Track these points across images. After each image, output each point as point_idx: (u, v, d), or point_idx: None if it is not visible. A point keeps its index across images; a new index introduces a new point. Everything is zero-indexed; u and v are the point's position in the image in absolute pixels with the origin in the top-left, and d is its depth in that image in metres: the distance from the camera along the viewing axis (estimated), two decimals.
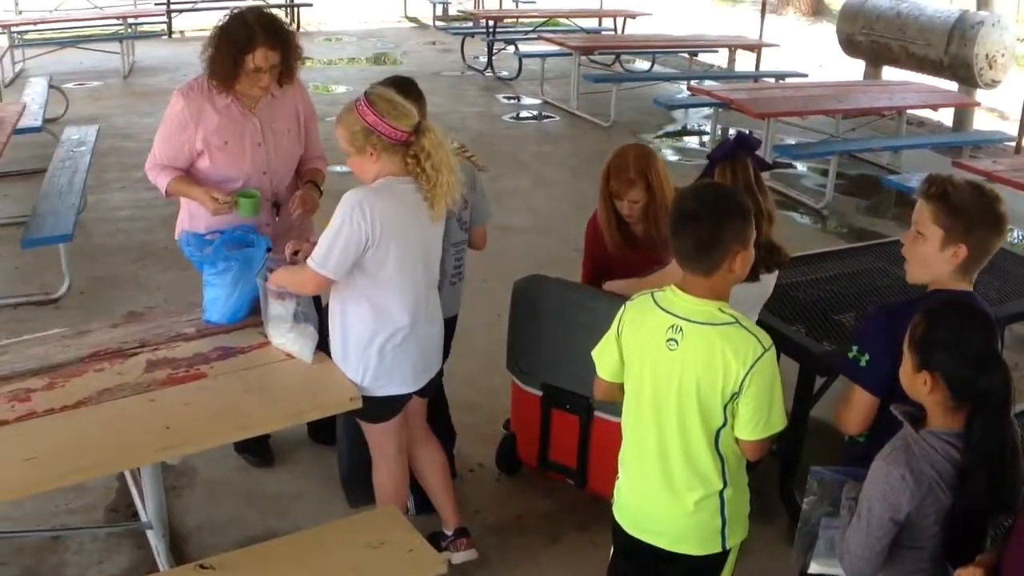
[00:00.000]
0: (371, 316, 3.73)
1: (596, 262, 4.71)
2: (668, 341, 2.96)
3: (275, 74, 4.36)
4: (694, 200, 3.00)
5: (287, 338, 3.91)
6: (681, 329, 2.94)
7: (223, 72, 4.29)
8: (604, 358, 3.21)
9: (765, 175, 4.00)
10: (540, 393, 4.66)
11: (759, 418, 2.95)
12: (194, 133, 4.38)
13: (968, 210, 3.02)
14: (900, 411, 2.82)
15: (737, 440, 3.02)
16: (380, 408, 3.87)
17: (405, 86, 4.34)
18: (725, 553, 3.16)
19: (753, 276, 3.79)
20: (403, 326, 3.77)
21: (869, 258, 5.56)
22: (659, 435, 3.05)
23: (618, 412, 4.39)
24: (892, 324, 2.99)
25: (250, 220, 4.34)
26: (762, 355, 2.90)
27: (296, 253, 3.96)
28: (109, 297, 6.93)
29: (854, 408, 3.14)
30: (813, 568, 3.05)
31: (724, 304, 2.97)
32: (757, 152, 3.95)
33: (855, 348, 3.14)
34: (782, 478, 4.64)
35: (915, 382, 2.76)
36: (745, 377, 2.89)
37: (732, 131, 12.05)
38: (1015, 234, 9.17)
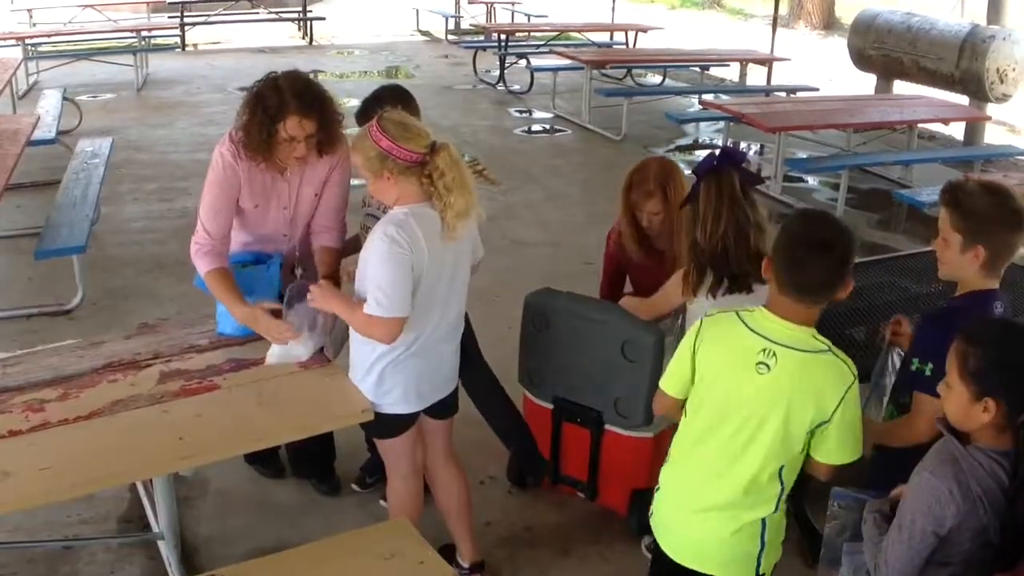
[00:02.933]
0: None
1: (617, 274, 4.74)
2: (758, 364, 2.93)
3: (312, 143, 4.07)
4: (830, 229, 2.97)
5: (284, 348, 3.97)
6: (775, 354, 2.92)
7: (256, 142, 4.00)
8: (675, 374, 3.16)
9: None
10: (551, 406, 4.67)
11: (845, 445, 2.98)
12: (237, 191, 4.17)
13: (980, 212, 3.13)
14: (945, 425, 2.80)
15: (811, 460, 3.04)
16: (386, 424, 3.86)
17: (403, 97, 4.36)
18: None
19: (746, 288, 3.82)
20: (405, 343, 3.70)
21: (880, 272, 5.55)
22: (722, 457, 3.04)
23: (628, 426, 4.44)
24: (943, 330, 3.00)
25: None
26: (852, 383, 2.92)
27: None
28: (122, 308, 6.95)
29: (927, 417, 3.09)
30: None
31: (815, 331, 2.97)
32: (743, 165, 3.97)
33: (916, 360, 3.18)
34: (793, 493, 4.62)
35: (973, 411, 2.70)
36: (838, 406, 2.91)
37: (747, 144, 12.09)
38: None
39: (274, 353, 3.96)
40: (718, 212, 3.75)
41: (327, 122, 4.08)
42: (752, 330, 2.97)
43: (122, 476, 3.60)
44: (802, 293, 2.92)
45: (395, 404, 3.80)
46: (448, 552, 4.17)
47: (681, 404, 3.18)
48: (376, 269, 3.52)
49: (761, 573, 3.14)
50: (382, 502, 4.70)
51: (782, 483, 3.05)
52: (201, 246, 4.09)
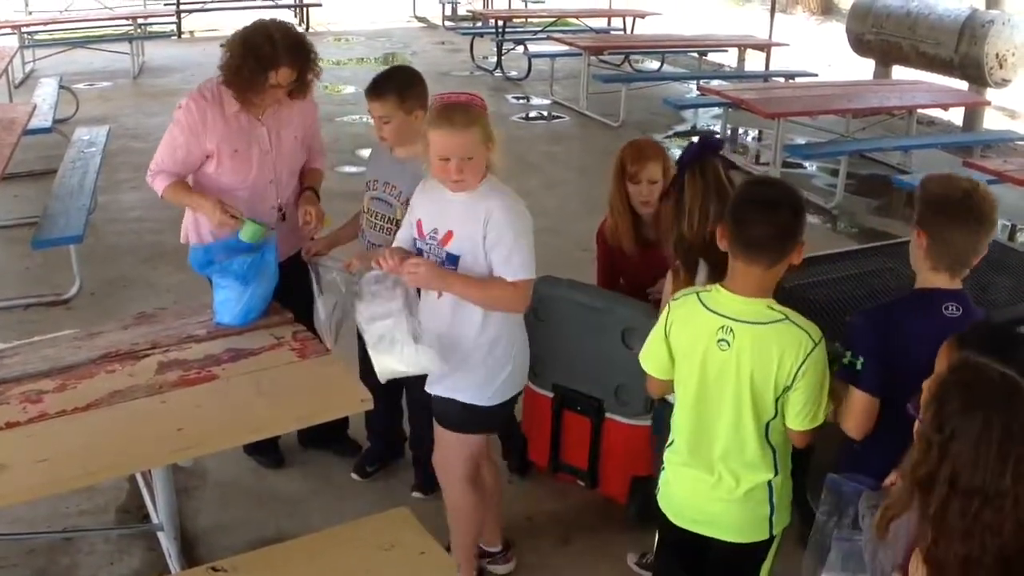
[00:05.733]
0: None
1: (612, 268, 4.72)
2: (719, 342, 3.04)
3: (288, 89, 4.39)
4: (772, 189, 3.13)
5: (402, 356, 3.67)
6: (731, 330, 3.02)
7: (242, 83, 4.28)
8: (652, 357, 3.28)
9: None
10: (551, 395, 4.67)
11: (808, 410, 3.07)
12: (205, 138, 4.38)
13: (930, 199, 3.16)
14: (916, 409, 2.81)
15: (786, 429, 3.15)
16: (496, 415, 3.93)
17: (415, 77, 4.43)
18: (771, 539, 3.29)
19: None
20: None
21: (880, 258, 5.53)
22: (710, 429, 3.16)
23: (628, 414, 4.44)
24: (877, 323, 3.13)
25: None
26: (812, 349, 3.00)
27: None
28: (120, 298, 6.94)
29: (857, 413, 3.16)
30: None
31: (772, 301, 3.05)
32: (723, 152, 3.92)
33: (848, 354, 3.17)
34: (792, 480, 4.61)
35: None
36: (798, 371, 3.00)
37: (745, 130, 12.07)
38: None
39: (394, 368, 3.75)
40: (706, 203, 3.64)
41: (304, 74, 4.40)
42: (710, 309, 3.08)
43: (121, 468, 3.59)
44: (751, 252, 2.99)
45: (515, 386, 3.93)
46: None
47: (671, 383, 3.29)
48: (523, 236, 3.64)
49: (774, 535, 3.28)
50: (415, 494, 4.78)
51: (772, 447, 3.16)
52: (155, 171, 4.48)
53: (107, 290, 7.11)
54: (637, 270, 4.55)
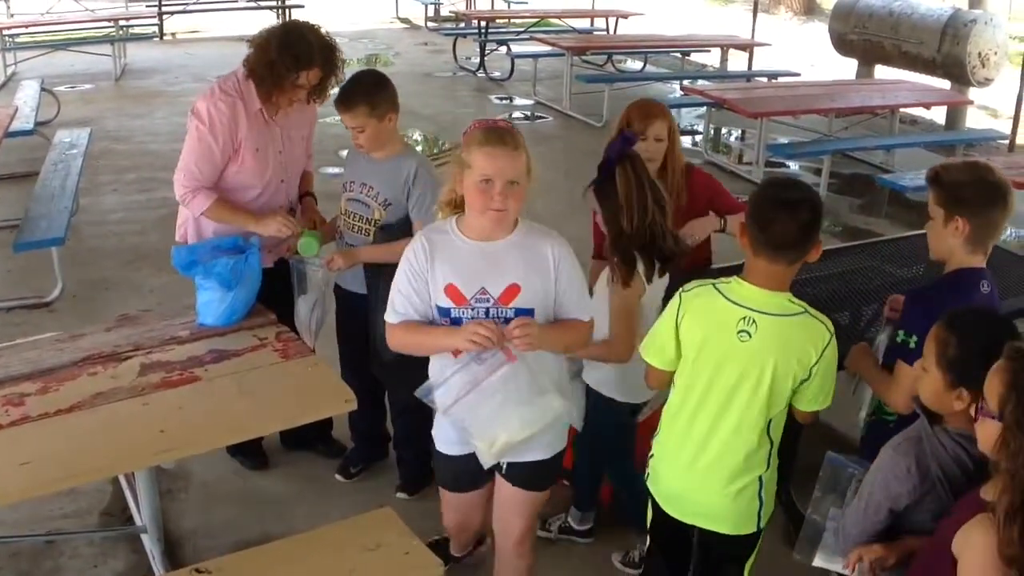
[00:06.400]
0: None
1: None
2: (740, 333, 3.08)
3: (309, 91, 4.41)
4: (795, 190, 3.16)
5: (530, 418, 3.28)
6: (755, 321, 3.07)
7: (272, 80, 4.27)
8: (659, 348, 3.29)
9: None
10: None
11: (822, 395, 3.19)
12: (238, 135, 4.35)
13: (960, 185, 3.24)
14: (918, 403, 2.89)
15: (792, 408, 3.25)
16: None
17: (381, 80, 4.39)
18: (759, 532, 3.36)
19: (677, 267, 3.87)
20: None
21: (863, 257, 5.55)
22: (713, 422, 3.20)
23: None
24: (928, 305, 3.19)
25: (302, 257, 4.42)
26: (830, 339, 3.11)
27: None
28: (102, 300, 6.91)
29: (907, 387, 3.17)
30: (817, 561, 3.09)
31: (791, 295, 3.13)
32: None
33: (902, 332, 3.28)
34: (778, 477, 4.62)
35: (947, 398, 2.78)
36: (817, 362, 3.09)
37: (728, 129, 12.09)
38: (1009, 232, 9.17)
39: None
40: (641, 197, 3.67)
41: (331, 76, 4.41)
42: (731, 300, 3.11)
43: (104, 470, 3.56)
44: (777, 251, 3.05)
45: None
46: (440, 546, 4.16)
47: (671, 376, 3.31)
48: (578, 273, 3.38)
49: (761, 527, 3.34)
50: (400, 494, 4.78)
51: (771, 440, 3.24)
52: (189, 187, 4.33)
53: (89, 292, 7.08)
54: None
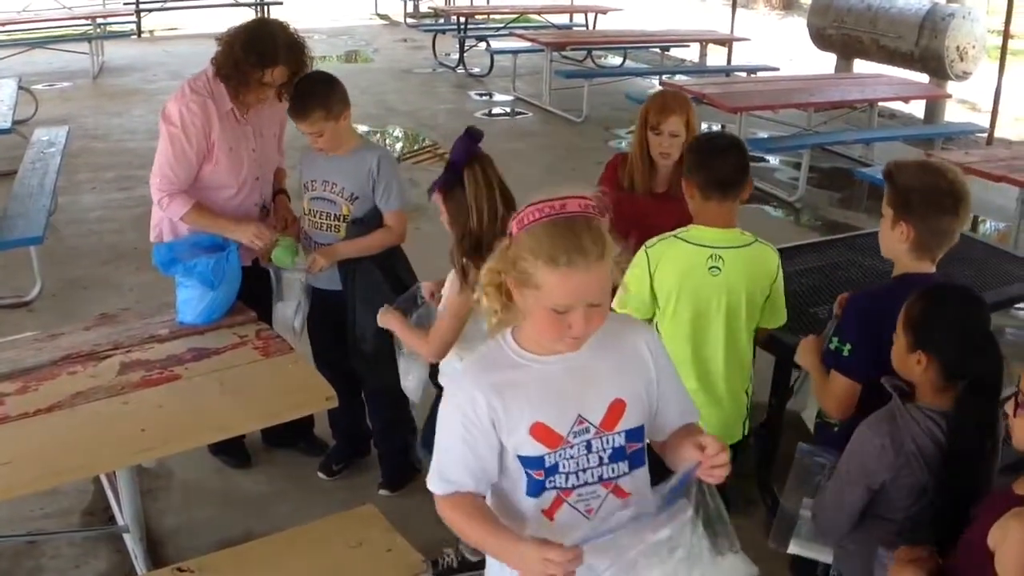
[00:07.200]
0: None
1: (617, 205, 4.59)
2: (710, 268, 3.54)
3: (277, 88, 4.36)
4: (722, 138, 3.91)
5: None
6: (720, 256, 3.54)
7: (238, 79, 4.23)
8: (637, 300, 3.60)
9: None
10: None
11: (780, 310, 3.75)
12: (212, 135, 4.32)
13: (910, 189, 3.15)
14: (890, 384, 2.89)
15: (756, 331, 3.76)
16: None
17: (331, 82, 4.37)
18: (744, 439, 3.87)
19: None
20: None
21: (843, 250, 5.56)
22: (703, 348, 3.63)
23: None
24: (866, 311, 3.21)
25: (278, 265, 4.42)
26: (779, 262, 3.67)
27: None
28: (81, 299, 6.88)
29: (839, 397, 3.23)
30: (792, 548, 3.11)
31: (739, 229, 3.63)
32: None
33: (835, 339, 3.24)
34: (759, 469, 4.64)
35: (908, 361, 2.83)
36: (774, 281, 3.66)
37: (708, 124, 12.11)
38: (988, 225, 9.22)
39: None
40: (491, 198, 3.61)
41: (300, 74, 4.35)
42: (695, 244, 3.57)
43: (84, 469, 3.55)
44: (724, 188, 3.56)
45: None
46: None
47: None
48: None
49: (745, 434, 3.86)
50: (382, 491, 4.76)
51: (752, 351, 3.83)
52: (166, 191, 4.31)
53: (68, 291, 7.05)
54: (647, 218, 4.43)
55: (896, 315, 2.92)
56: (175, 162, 4.29)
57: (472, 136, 3.71)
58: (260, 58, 4.18)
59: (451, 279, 3.67)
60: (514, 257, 2.24)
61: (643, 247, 3.58)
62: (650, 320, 3.64)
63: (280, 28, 4.34)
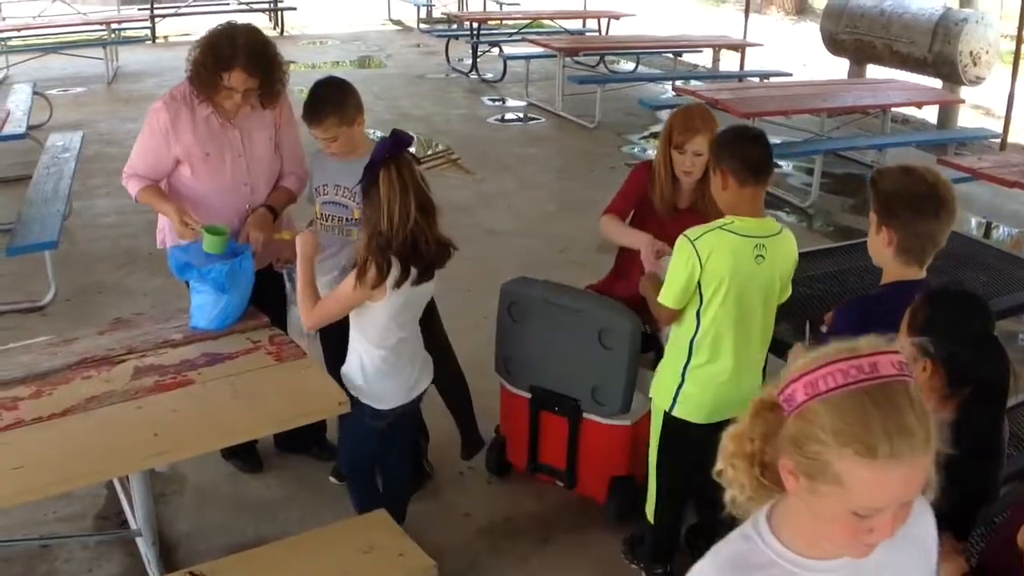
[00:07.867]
0: None
1: (634, 198, 4.62)
2: (757, 257, 3.72)
3: (251, 96, 4.31)
4: (748, 128, 4.02)
5: None
6: (764, 245, 3.73)
7: (201, 81, 4.24)
8: (681, 293, 3.77)
9: None
10: (528, 395, 4.67)
11: (788, 285, 3.95)
12: (174, 143, 4.34)
13: (891, 194, 3.18)
14: None
15: None
16: None
17: (345, 87, 4.40)
18: None
19: (430, 276, 3.86)
20: None
21: (855, 256, 5.55)
22: (744, 330, 3.83)
23: (605, 414, 4.44)
24: (852, 321, 3.11)
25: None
26: (795, 243, 3.93)
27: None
28: (95, 304, 6.91)
29: None
30: None
31: (770, 217, 3.84)
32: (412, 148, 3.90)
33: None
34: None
35: (914, 369, 2.79)
36: (796, 262, 3.93)
37: None
38: (1001, 231, 9.20)
39: None
40: (404, 201, 3.61)
41: (270, 82, 4.33)
42: (742, 235, 3.70)
43: (97, 474, 3.57)
44: (760, 174, 3.70)
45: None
46: None
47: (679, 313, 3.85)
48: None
49: None
50: None
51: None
52: (128, 173, 4.49)
53: (83, 296, 7.07)
54: (668, 232, 4.42)
55: (888, 322, 2.93)
56: (144, 153, 4.45)
57: (396, 139, 3.72)
58: (216, 61, 4.18)
59: (352, 276, 3.73)
60: (799, 436, 1.67)
61: (685, 239, 3.71)
62: (681, 311, 3.83)
63: (245, 32, 4.27)
